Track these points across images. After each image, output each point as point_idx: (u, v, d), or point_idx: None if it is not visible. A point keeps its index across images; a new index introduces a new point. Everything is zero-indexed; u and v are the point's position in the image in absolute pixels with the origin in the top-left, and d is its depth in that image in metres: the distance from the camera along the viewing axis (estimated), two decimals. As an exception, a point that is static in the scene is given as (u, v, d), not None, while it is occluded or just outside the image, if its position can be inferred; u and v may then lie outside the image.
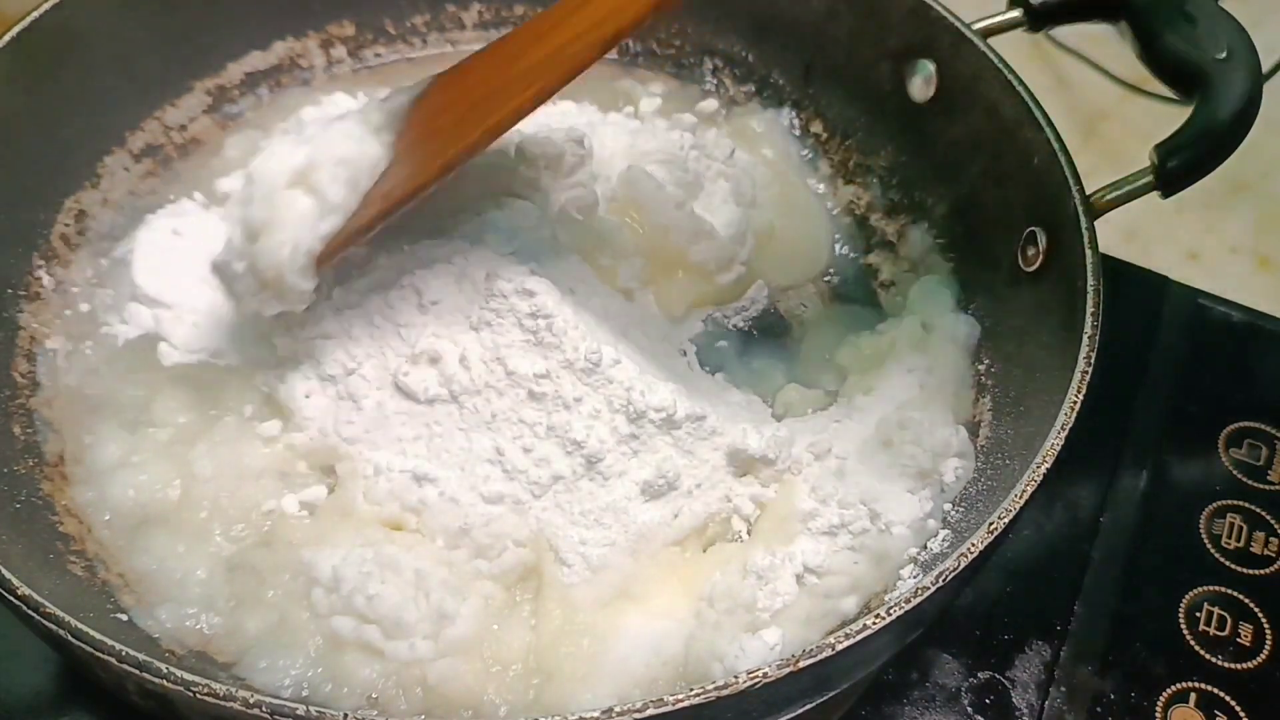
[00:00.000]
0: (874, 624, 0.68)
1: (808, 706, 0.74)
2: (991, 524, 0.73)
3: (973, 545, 0.72)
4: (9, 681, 0.91)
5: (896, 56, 1.07)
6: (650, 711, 0.64)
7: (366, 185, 0.83)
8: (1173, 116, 0.88)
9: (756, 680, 0.65)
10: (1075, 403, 0.78)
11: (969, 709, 0.94)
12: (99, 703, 0.89)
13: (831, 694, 0.76)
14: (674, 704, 0.64)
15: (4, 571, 0.70)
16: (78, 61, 1.01)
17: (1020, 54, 1.01)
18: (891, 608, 0.68)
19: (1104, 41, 1.03)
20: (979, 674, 0.95)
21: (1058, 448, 0.76)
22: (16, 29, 0.95)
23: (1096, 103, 1.42)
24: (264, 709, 0.64)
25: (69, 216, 1.03)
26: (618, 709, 0.64)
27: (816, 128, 1.16)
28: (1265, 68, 0.90)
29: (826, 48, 1.13)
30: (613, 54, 1.21)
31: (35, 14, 0.97)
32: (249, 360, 0.94)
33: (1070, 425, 0.77)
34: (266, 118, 1.14)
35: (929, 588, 0.69)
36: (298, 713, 0.64)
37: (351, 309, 0.91)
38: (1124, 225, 1.19)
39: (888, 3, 1.06)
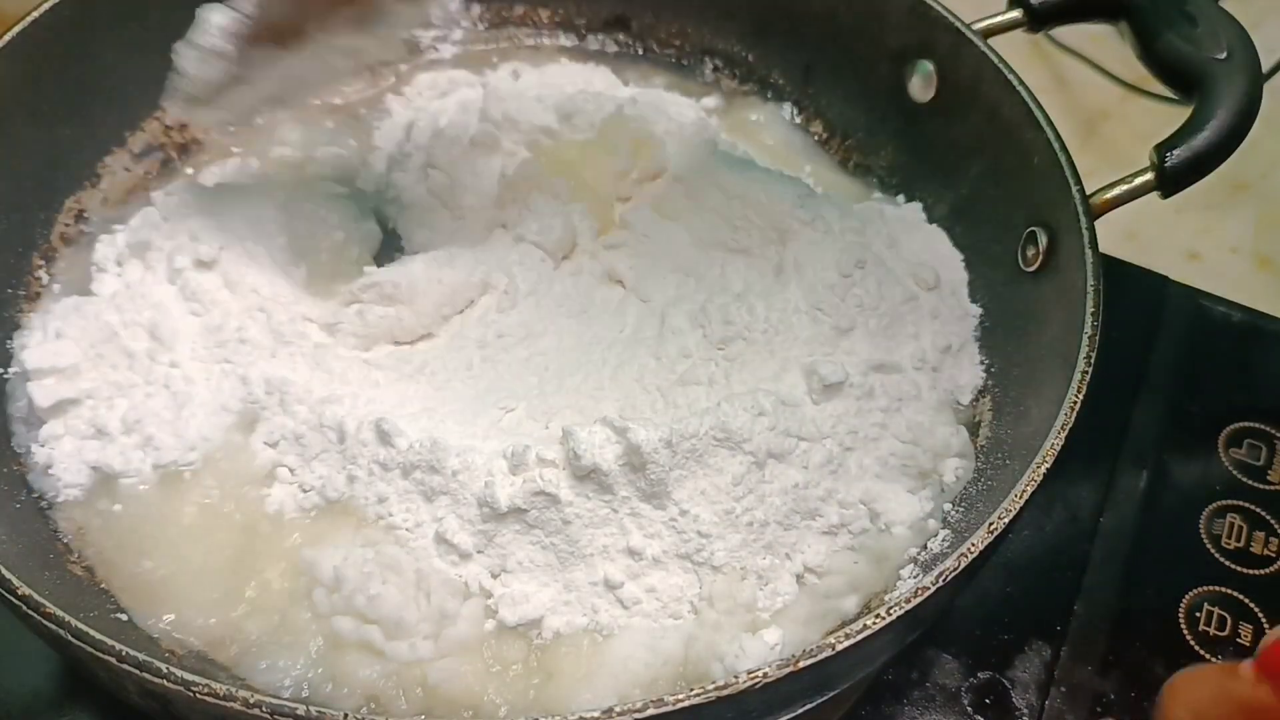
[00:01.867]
0: (874, 624, 0.68)
1: (808, 706, 0.74)
2: (991, 524, 0.73)
3: (973, 545, 0.72)
4: (9, 681, 0.91)
5: (896, 57, 1.07)
6: (650, 711, 0.64)
7: None
8: (1173, 116, 0.88)
9: (757, 680, 0.65)
10: (1075, 402, 0.78)
11: (969, 709, 0.94)
12: (99, 703, 0.89)
13: (831, 694, 0.76)
14: (674, 704, 0.64)
15: (4, 572, 0.70)
16: (78, 61, 1.01)
17: (1020, 54, 1.01)
18: (891, 608, 0.68)
19: (1104, 41, 1.03)
20: (979, 674, 0.95)
21: (1058, 447, 0.76)
22: (17, 29, 0.96)
23: (1096, 103, 1.42)
24: (264, 709, 0.64)
25: (69, 216, 1.03)
26: (618, 709, 0.64)
27: (816, 128, 1.16)
28: (1265, 68, 0.90)
29: (826, 48, 1.13)
30: (612, 50, 1.22)
31: (35, 14, 0.97)
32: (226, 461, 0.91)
33: (1070, 425, 0.77)
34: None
35: (929, 588, 0.69)
36: (297, 713, 0.64)
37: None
38: (1124, 225, 1.19)
39: (888, 3, 1.06)
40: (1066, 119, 0.95)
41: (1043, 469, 0.75)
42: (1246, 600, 0.99)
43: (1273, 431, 1.10)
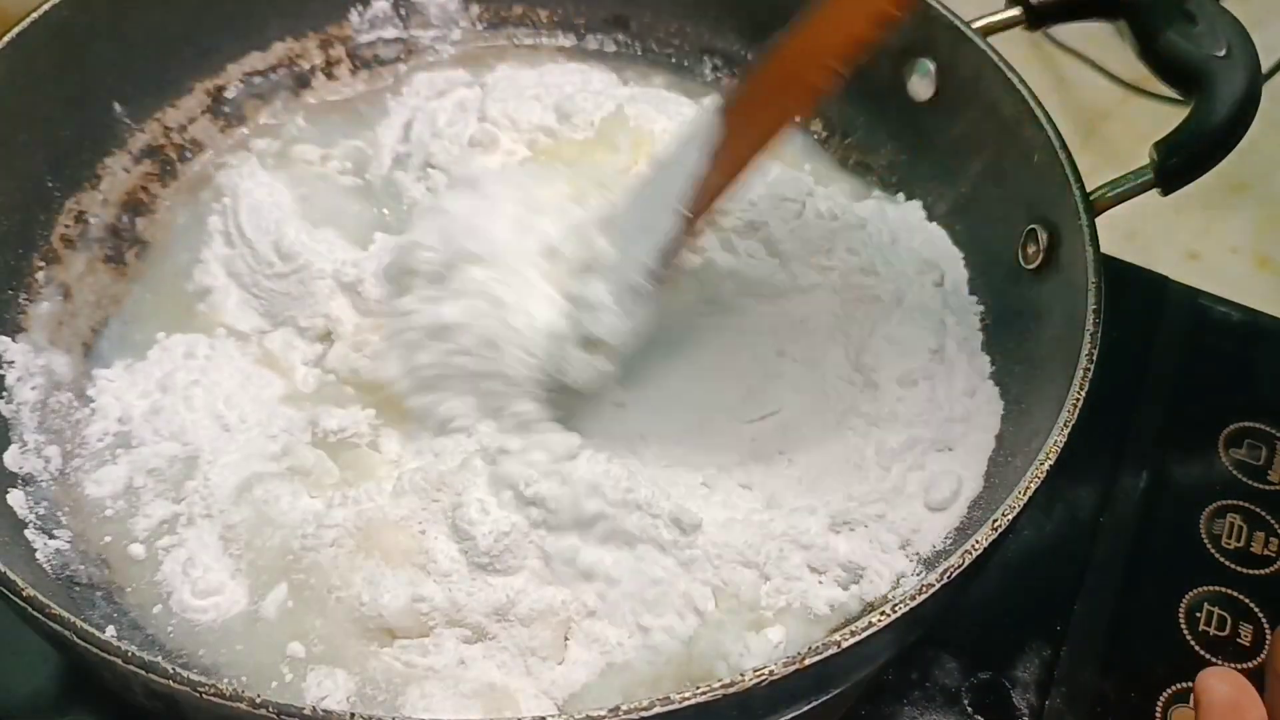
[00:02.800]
0: (879, 621, 0.67)
1: (812, 704, 0.73)
2: (995, 521, 0.72)
3: (977, 542, 0.71)
4: (8, 682, 0.91)
5: (896, 55, 1.07)
6: (658, 710, 0.63)
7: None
8: (1173, 117, 0.88)
9: (763, 678, 0.65)
10: (1078, 399, 0.77)
11: (969, 709, 0.93)
12: (100, 703, 0.89)
13: (836, 691, 0.75)
14: (681, 702, 0.64)
15: (9, 573, 0.70)
16: (78, 62, 1.01)
17: (1020, 54, 1.01)
18: (896, 604, 0.68)
19: (1104, 42, 1.03)
20: (979, 674, 0.95)
21: (1060, 444, 0.75)
22: (16, 29, 0.95)
23: (1096, 103, 1.42)
24: (270, 709, 0.63)
25: (69, 217, 1.02)
26: (624, 707, 0.63)
27: (815, 126, 1.16)
28: (1265, 67, 0.90)
29: (826, 46, 1.13)
30: (610, 49, 1.22)
31: (35, 14, 0.96)
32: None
33: (1074, 422, 0.76)
34: (265, 119, 1.15)
35: (934, 584, 0.69)
36: (304, 712, 0.63)
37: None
38: (1124, 225, 1.18)
39: (887, 1, 1.06)
40: (1066, 119, 0.95)
41: (1046, 465, 0.75)
42: (1246, 600, 0.99)
43: (1273, 431, 1.10)
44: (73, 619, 0.68)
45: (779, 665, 0.65)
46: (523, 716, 0.66)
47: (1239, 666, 0.95)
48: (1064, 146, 0.91)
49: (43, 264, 0.99)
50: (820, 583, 0.84)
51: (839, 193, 1.06)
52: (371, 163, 1.09)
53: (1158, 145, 0.86)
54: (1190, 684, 0.94)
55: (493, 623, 0.81)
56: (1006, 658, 0.96)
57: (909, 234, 1.02)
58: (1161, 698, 0.94)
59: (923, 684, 0.94)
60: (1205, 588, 1.00)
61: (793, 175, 1.05)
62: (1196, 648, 0.97)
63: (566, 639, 0.82)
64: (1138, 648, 0.97)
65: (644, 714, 0.63)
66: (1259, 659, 0.96)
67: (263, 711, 0.63)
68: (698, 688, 0.64)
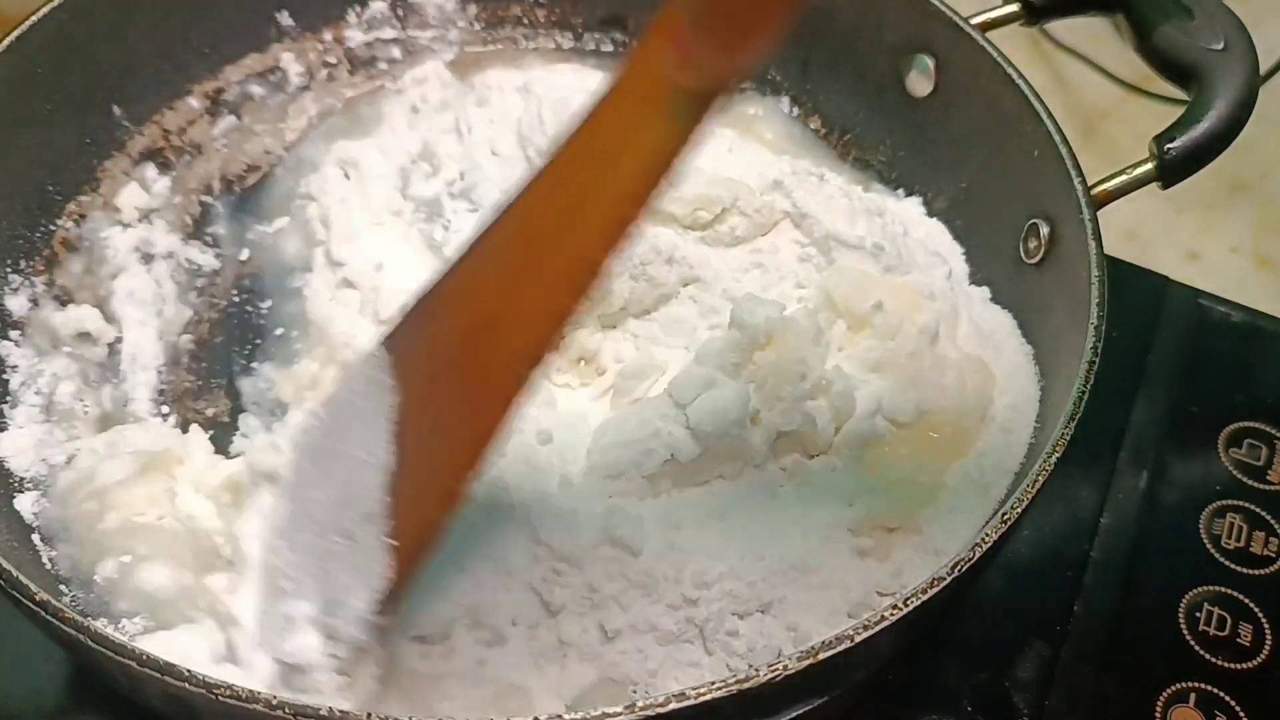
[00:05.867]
0: (891, 615, 0.67)
1: (825, 698, 0.74)
2: (1005, 514, 0.72)
3: (987, 535, 0.71)
4: (9, 683, 0.90)
5: (894, 51, 1.07)
6: (673, 706, 0.63)
7: None
8: (1172, 116, 0.88)
9: (778, 673, 0.64)
10: (1083, 392, 0.77)
11: (969, 709, 0.93)
12: (105, 706, 0.89)
13: (846, 686, 0.75)
14: (695, 698, 0.63)
15: (21, 578, 0.70)
16: (77, 65, 1.01)
17: (1020, 53, 1.01)
18: (908, 599, 0.68)
19: (1104, 41, 1.02)
20: (979, 674, 0.95)
21: (1068, 437, 0.75)
22: (15, 33, 0.95)
23: (1096, 103, 1.41)
24: (287, 710, 0.63)
25: (70, 220, 1.03)
26: (640, 704, 0.63)
27: (815, 123, 1.16)
28: (1265, 68, 0.91)
29: (824, 43, 1.13)
30: (608, 49, 1.23)
31: (34, 18, 0.96)
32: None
33: (1079, 416, 0.76)
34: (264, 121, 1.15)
35: (944, 577, 0.69)
36: (321, 713, 0.63)
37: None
38: (1124, 225, 1.19)
39: (885, -2, 1.06)
40: (1066, 118, 0.95)
41: (1053, 459, 0.74)
42: (1246, 600, 0.99)
43: (1273, 431, 1.09)
44: (86, 623, 0.67)
45: (793, 660, 0.65)
46: (539, 716, 0.65)
47: (1239, 666, 0.95)
48: (1064, 140, 0.91)
49: (44, 268, 0.99)
50: None
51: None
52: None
53: (1158, 139, 0.86)
54: (1190, 684, 0.94)
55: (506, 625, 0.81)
56: (1006, 658, 0.95)
57: (914, 228, 1.02)
58: (1161, 698, 0.93)
59: (923, 684, 0.94)
60: (1205, 588, 1.00)
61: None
62: (1196, 648, 0.96)
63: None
64: (1138, 648, 0.96)
65: (660, 710, 0.63)
66: (1259, 659, 0.96)
67: (280, 713, 0.63)
68: (712, 683, 0.64)
